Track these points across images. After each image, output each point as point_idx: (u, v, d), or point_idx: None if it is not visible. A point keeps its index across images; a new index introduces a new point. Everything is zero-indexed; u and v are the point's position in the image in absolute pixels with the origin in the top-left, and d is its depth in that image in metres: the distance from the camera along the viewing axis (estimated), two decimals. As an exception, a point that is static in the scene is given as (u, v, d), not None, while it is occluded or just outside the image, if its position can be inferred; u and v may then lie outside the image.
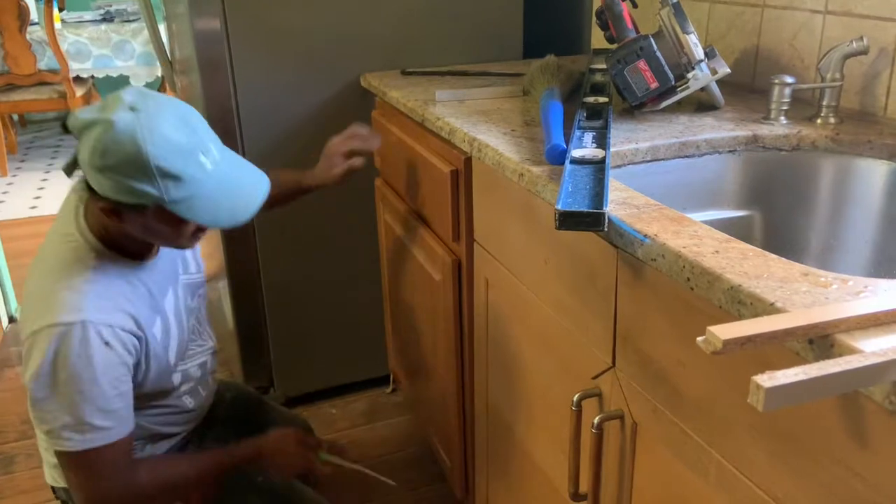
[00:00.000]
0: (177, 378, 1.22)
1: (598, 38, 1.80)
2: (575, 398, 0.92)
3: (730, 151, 1.10)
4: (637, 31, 1.20)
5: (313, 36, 1.68)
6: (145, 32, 4.12)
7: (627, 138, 1.07)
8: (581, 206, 0.79)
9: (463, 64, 1.77)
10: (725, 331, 0.53)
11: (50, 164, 4.33)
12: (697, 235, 0.74)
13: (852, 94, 1.19)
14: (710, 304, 0.67)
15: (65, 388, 1.03)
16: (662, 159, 1.06)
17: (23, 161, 4.39)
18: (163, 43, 2.07)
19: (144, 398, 1.17)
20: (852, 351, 0.52)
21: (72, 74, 4.00)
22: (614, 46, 1.19)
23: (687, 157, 1.08)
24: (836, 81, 1.11)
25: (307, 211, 1.76)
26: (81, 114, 1.00)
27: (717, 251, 0.70)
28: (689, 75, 1.13)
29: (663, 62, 1.10)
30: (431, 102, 1.39)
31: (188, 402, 1.28)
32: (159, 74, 4.27)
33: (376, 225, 1.82)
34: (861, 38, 1.07)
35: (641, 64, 1.10)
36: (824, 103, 1.13)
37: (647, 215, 0.79)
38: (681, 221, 0.77)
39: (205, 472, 1.24)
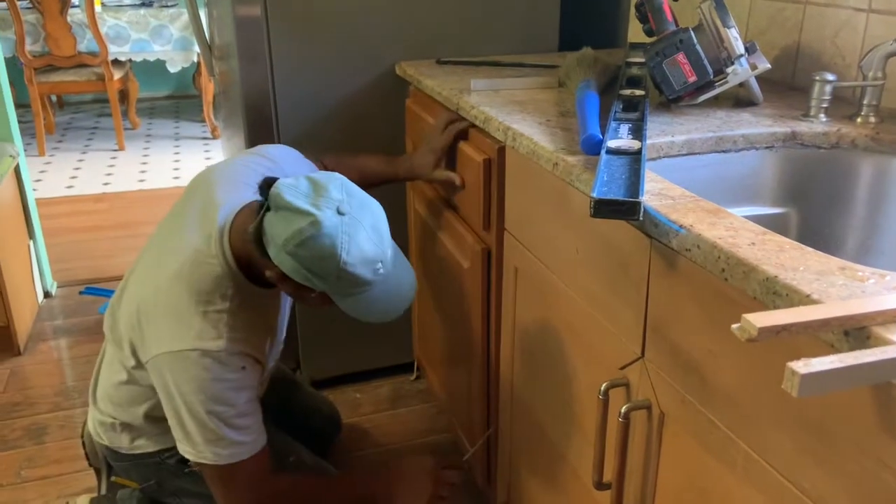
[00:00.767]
0: (264, 375, 1.27)
1: (634, 32, 1.79)
2: (602, 387, 0.93)
3: (767, 147, 1.09)
4: (677, 25, 1.19)
5: (350, 24, 1.70)
6: (183, 17, 4.18)
7: (663, 131, 1.07)
8: (617, 194, 0.79)
9: (498, 55, 1.78)
10: (761, 318, 0.53)
11: (86, 146, 4.41)
12: (733, 227, 0.74)
13: (894, 94, 1.17)
14: (745, 294, 0.67)
15: (208, 408, 1.10)
16: (698, 153, 1.06)
17: (60, 142, 4.48)
18: (203, 28, 2.10)
19: None
20: (888, 343, 0.52)
21: (110, 57, 4.07)
22: (652, 40, 1.19)
23: (723, 151, 1.07)
24: (878, 80, 1.10)
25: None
26: (288, 193, 1.03)
27: (753, 243, 0.70)
28: (729, 70, 1.13)
29: (703, 56, 1.10)
30: (467, 91, 1.39)
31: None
32: (195, 59, 4.33)
33: (405, 212, 1.84)
34: (905, 37, 1.06)
35: (680, 57, 1.10)
36: (865, 102, 1.12)
37: (683, 206, 0.80)
38: (717, 213, 0.78)
39: (341, 497, 1.32)
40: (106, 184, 3.75)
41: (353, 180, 1.40)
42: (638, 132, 0.99)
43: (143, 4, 4.35)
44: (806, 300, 0.60)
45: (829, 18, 1.27)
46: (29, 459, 1.77)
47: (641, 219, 0.79)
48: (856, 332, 0.55)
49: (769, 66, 1.16)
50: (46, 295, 2.56)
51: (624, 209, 0.78)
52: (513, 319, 1.29)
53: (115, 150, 4.30)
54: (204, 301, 1.11)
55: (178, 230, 1.19)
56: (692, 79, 1.11)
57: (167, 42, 4.22)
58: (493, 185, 1.27)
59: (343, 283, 1.06)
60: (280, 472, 1.22)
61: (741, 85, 1.17)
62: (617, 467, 0.93)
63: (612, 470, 0.94)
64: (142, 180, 3.80)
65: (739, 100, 1.25)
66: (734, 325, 0.54)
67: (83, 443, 1.46)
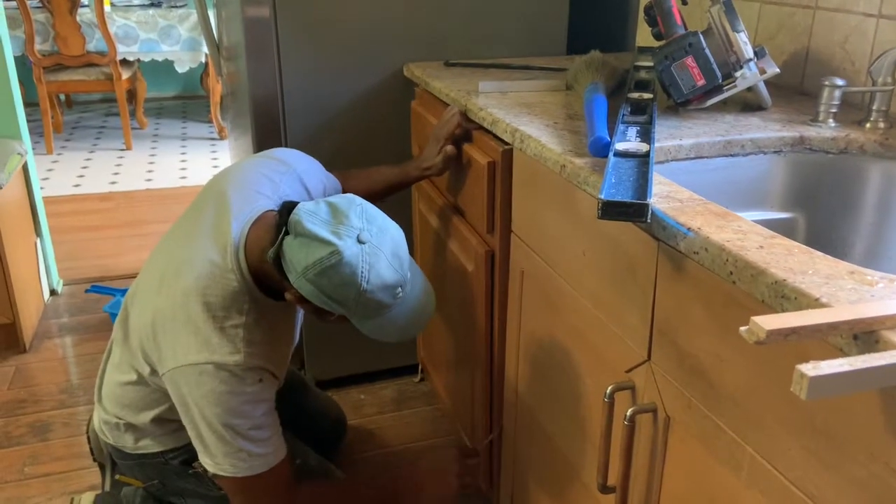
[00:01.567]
0: (279, 386, 1.27)
1: (643, 36, 1.79)
2: (608, 390, 0.93)
3: (775, 152, 1.09)
4: (686, 28, 1.19)
5: (359, 26, 1.70)
6: (191, 18, 4.19)
7: (671, 134, 1.07)
8: (625, 196, 0.79)
9: (506, 57, 1.78)
10: (769, 321, 0.53)
11: (94, 145, 4.43)
12: (742, 230, 0.73)
13: (903, 100, 1.17)
14: (753, 298, 0.67)
15: (224, 421, 1.10)
16: (706, 157, 1.06)
17: (68, 140, 4.50)
18: (212, 28, 2.11)
19: None
20: (898, 347, 0.52)
21: (118, 57, 4.09)
22: (661, 43, 1.19)
23: (731, 156, 1.07)
24: (888, 86, 1.10)
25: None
26: (308, 221, 1.04)
27: (761, 246, 0.69)
28: (737, 74, 1.13)
29: (711, 60, 1.10)
30: (474, 93, 1.39)
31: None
32: (203, 60, 4.35)
33: (410, 215, 1.84)
34: (916, 43, 1.06)
35: (689, 60, 1.10)
36: (874, 107, 1.11)
37: (691, 209, 0.79)
38: (725, 216, 0.77)
39: (364, 502, 1.33)
40: (113, 183, 3.76)
41: (364, 193, 1.40)
42: (646, 135, 0.98)
43: (151, 5, 4.37)
44: (815, 304, 0.59)
45: (838, 23, 1.27)
46: (33, 456, 1.77)
47: (649, 221, 0.79)
48: (865, 335, 0.55)
49: (778, 70, 1.15)
50: (52, 293, 2.56)
51: (632, 211, 0.78)
52: (518, 322, 1.29)
53: (123, 150, 4.31)
54: (221, 316, 1.11)
55: (192, 239, 1.19)
56: (701, 82, 1.11)
57: (175, 42, 4.24)
58: (496, 187, 1.27)
59: (363, 308, 1.07)
60: (300, 482, 1.22)
61: (750, 89, 1.17)
62: (622, 471, 0.93)
63: (616, 474, 0.94)
64: (149, 180, 3.81)
65: (748, 104, 1.24)
66: (742, 328, 0.54)
67: (88, 438, 1.47)
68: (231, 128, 2.36)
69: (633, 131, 1.01)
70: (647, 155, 0.91)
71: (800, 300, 0.61)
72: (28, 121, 2.45)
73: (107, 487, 1.47)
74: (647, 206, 0.77)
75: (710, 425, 0.78)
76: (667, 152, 1.03)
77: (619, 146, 0.93)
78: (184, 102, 5.49)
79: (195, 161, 4.13)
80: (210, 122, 4.82)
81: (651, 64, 1.28)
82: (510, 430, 1.40)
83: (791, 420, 0.66)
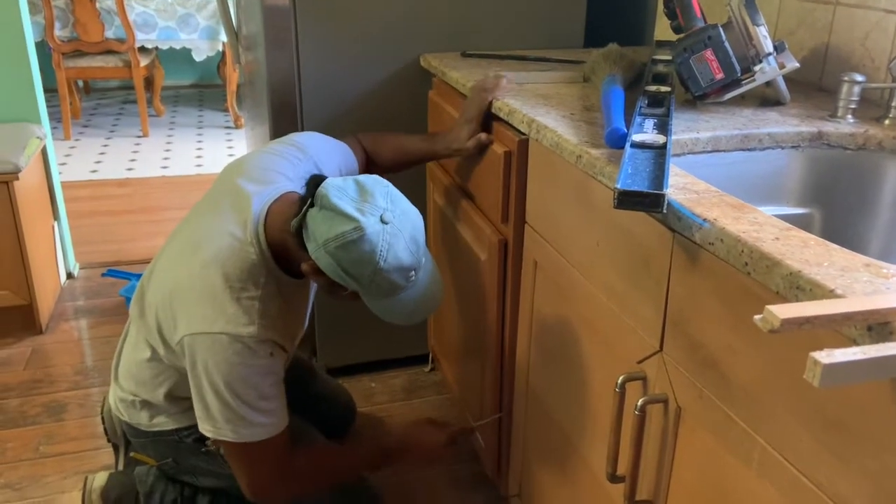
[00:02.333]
0: (287, 362, 1.29)
1: (661, 30, 1.78)
2: (619, 380, 0.93)
3: (793, 147, 1.08)
4: (705, 21, 1.19)
5: (376, 15, 1.70)
6: (209, 6, 4.21)
7: (688, 127, 1.07)
8: (641, 186, 0.79)
9: (523, 49, 1.78)
10: (784, 310, 0.53)
11: (111, 131, 4.46)
12: (758, 222, 0.74)
13: (924, 97, 1.16)
14: (767, 289, 0.67)
15: (232, 390, 1.12)
16: (723, 151, 1.06)
17: (86, 126, 4.54)
18: (231, 17, 2.12)
19: None
20: (912, 339, 0.52)
21: (137, 45, 4.12)
22: (680, 36, 1.19)
23: (748, 150, 1.07)
24: (908, 82, 1.09)
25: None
26: (335, 195, 1.07)
27: (777, 238, 0.70)
28: (756, 68, 1.12)
29: (731, 53, 1.09)
30: (491, 84, 1.39)
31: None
32: (220, 48, 4.36)
33: (424, 204, 1.84)
34: (938, 39, 1.05)
35: (708, 54, 1.09)
36: (893, 104, 1.11)
37: (707, 201, 0.80)
38: (741, 208, 0.77)
39: (358, 467, 1.36)
40: (129, 169, 3.79)
41: (392, 159, 1.45)
42: (663, 127, 0.98)
43: (170, -7, 4.39)
44: (830, 295, 0.60)
45: (859, 20, 1.26)
46: (48, 436, 1.80)
47: (665, 211, 0.79)
48: (879, 326, 0.55)
49: (797, 65, 1.15)
50: (69, 276, 2.59)
51: (648, 201, 0.78)
52: (530, 312, 1.29)
53: (140, 137, 4.34)
54: (238, 287, 1.13)
55: (212, 216, 1.21)
56: (719, 76, 1.11)
57: (193, 31, 4.26)
58: (512, 177, 1.27)
59: (375, 287, 1.09)
60: (296, 449, 1.24)
61: (768, 84, 1.17)
62: (631, 461, 0.93)
63: (626, 463, 0.94)
64: (165, 167, 3.83)
65: (766, 99, 1.24)
66: (757, 316, 0.55)
67: (102, 418, 1.49)
68: (248, 117, 2.37)
69: (650, 123, 1.01)
70: (663, 146, 0.91)
71: (815, 291, 0.61)
72: (47, 106, 2.48)
73: (120, 467, 1.49)
74: (663, 196, 0.78)
75: (721, 416, 0.78)
76: (683, 145, 1.03)
77: (636, 137, 0.94)
78: (200, 91, 5.51)
79: (211, 149, 4.15)
80: (226, 110, 4.84)
81: (669, 58, 1.27)
82: (519, 419, 1.40)
83: (803, 411, 0.66)
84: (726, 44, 1.09)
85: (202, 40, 4.28)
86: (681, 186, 0.84)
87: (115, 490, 1.41)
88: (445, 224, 1.67)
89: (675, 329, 0.85)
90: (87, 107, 4.96)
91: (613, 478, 0.97)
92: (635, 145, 0.92)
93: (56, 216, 2.50)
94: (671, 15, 1.23)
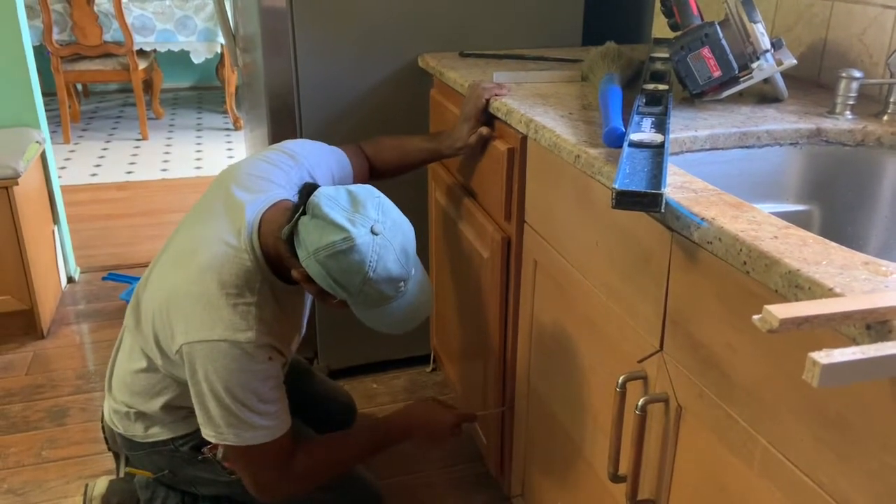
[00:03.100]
0: (285, 367, 1.30)
1: (658, 28, 1.78)
2: (620, 380, 0.93)
3: (791, 144, 1.08)
4: (702, 19, 1.19)
5: (374, 16, 1.70)
6: (207, 9, 4.21)
7: (686, 126, 1.06)
8: (639, 186, 0.79)
9: (521, 49, 1.78)
10: (783, 310, 0.53)
11: (111, 134, 4.46)
12: (756, 221, 0.73)
13: (922, 92, 1.16)
14: (766, 288, 0.67)
15: (233, 395, 1.13)
16: (721, 148, 1.05)
17: (85, 130, 4.54)
18: (228, 19, 2.12)
19: None
20: (911, 337, 0.52)
21: (135, 48, 4.11)
22: (676, 35, 1.18)
23: (747, 147, 1.07)
24: (906, 78, 1.09)
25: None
26: (327, 205, 1.07)
27: (775, 236, 0.70)
28: (754, 65, 1.12)
29: (728, 50, 1.09)
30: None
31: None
32: (219, 51, 4.36)
33: (425, 204, 1.84)
34: (936, 34, 1.05)
35: (705, 51, 1.09)
36: (892, 100, 1.11)
37: (706, 199, 0.79)
38: (739, 207, 0.77)
39: (362, 453, 1.35)
40: (129, 172, 3.79)
41: (395, 162, 1.45)
42: (661, 126, 0.98)
43: (168, -5, 4.39)
44: (828, 294, 0.59)
45: (856, 16, 1.26)
46: (50, 441, 1.80)
47: (663, 211, 0.79)
48: (878, 325, 0.55)
49: (795, 62, 1.15)
50: (70, 280, 2.59)
51: (646, 201, 0.78)
52: (531, 312, 1.29)
53: (139, 140, 4.34)
54: (234, 294, 1.13)
55: (206, 224, 1.21)
56: (717, 73, 1.11)
57: (192, 33, 4.25)
58: (515, 174, 1.27)
59: (364, 296, 1.09)
60: (298, 447, 1.24)
61: (766, 81, 1.16)
62: (633, 460, 0.93)
63: (627, 463, 0.94)
64: (164, 170, 3.83)
65: (764, 96, 1.24)
66: (755, 316, 0.54)
67: (103, 427, 1.49)
68: (247, 119, 2.37)
69: (648, 122, 1.00)
70: (661, 145, 0.91)
71: (813, 290, 0.61)
72: (45, 110, 2.48)
73: (121, 474, 1.48)
74: (660, 195, 0.77)
75: (722, 415, 0.78)
76: (682, 143, 1.03)
77: (634, 137, 0.93)
78: (199, 93, 5.51)
79: (210, 151, 4.15)
80: (225, 112, 4.84)
81: (667, 55, 1.27)
82: (522, 418, 1.40)
83: (803, 410, 0.66)
84: (723, 41, 1.09)
85: (200, 42, 4.28)
86: (679, 185, 0.84)
87: (115, 496, 1.41)
88: (448, 223, 1.67)
89: (675, 328, 0.85)
90: (86, 110, 4.96)
91: (615, 477, 0.97)
92: (633, 144, 0.92)
93: (56, 220, 2.50)
94: (668, 13, 1.22)
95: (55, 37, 3.99)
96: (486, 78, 1.44)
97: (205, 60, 4.47)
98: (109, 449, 1.50)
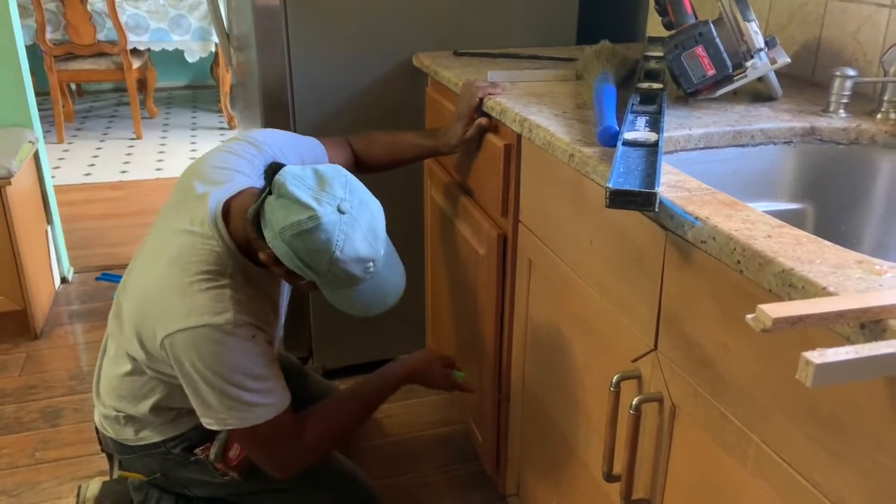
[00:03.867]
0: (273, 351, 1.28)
1: (653, 26, 1.78)
2: (614, 379, 0.93)
3: (785, 142, 1.08)
4: (696, 18, 1.19)
5: (368, 15, 1.70)
6: (201, 8, 4.20)
7: (680, 124, 1.06)
8: (632, 185, 0.79)
9: (515, 47, 1.77)
10: (776, 309, 0.53)
11: (104, 134, 4.45)
12: (749, 220, 0.73)
13: (916, 91, 1.16)
14: (760, 287, 0.67)
15: (225, 377, 1.12)
16: (716, 147, 1.05)
17: (79, 129, 4.52)
18: (222, 18, 2.11)
19: None
20: (905, 336, 0.52)
21: (129, 47, 4.10)
22: (670, 33, 1.18)
23: (741, 146, 1.07)
24: (900, 76, 1.09)
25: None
26: (292, 183, 1.05)
27: (769, 235, 0.69)
28: (748, 64, 1.12)
29: (722, 49, 1.09)
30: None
31: None
32: (213, 50, 4.35)
33: (420, 202, 1.84)
34: (929, 33, 1.05)
35: (699, 50, 1.09)
36: (886, 98, 1.11)
37: (699, 198, 0.79)
38: (733, 206, 0.77)
39: (368, 404, 1.36)
40: (123, 172, 3.78)
41: (387, 156, 1.44)
42: (655, 125, 0.98)
43: (162, -6, 4.37)
44: (822, 293, 0.59)
45: (850, 14, 1.26)
46: (44, 442, 1.79)
47: (657, 210, 0.79)
48: (872, 324, 0.55)
49: (789, 60, 1.15)
50: (63, 280, 2.58)
51: (639, 200, 0.78)
52: (525, 311, 1.29)
53: (133, 139, 4.33)
54: (205, 279, 1.12)
55: (171, 220, 1.21)
56: (711, 72, 1.11)
57: (186, 32, 4.24)
58: (511, 171, 1.27)
59: (332, 278, 1.07)
60: (303, 418, 1.25)
61: (760, 79, 1.16)
62: (627, 459, 0.93)
63: (621, 462, 0.94)
64: (159, 169, 3.82)
65: (758, 94, 1.24)
66: (749, 316, 0.54)
67: (96, 429, 1.48)
68: (241, 117, 2.36)
69: (642, 121, 1.00)
70: (655, 144, 0.91)
71: (807, 289, 0.61)
72: (39, 109, 2.46)
73: (115, 475, 1.48)
74: (654, 195, 0.77)
75: (716, 414, 0.78)
76: (676, 142, 1.03)
77: (628, 136, 0.93)
78: (194, 92, 5.50)
79: (205, 150, 4.09)
80: (220, 111, 4.82)
81: (661, 54, 1.27)
82: (516, 417, 1.40)
83: (797, 409, 0.66)
84: (717, 40, 1.09)
85: (194, 41, 4.26)
86: (673, 184, 0.84)
87: (109, 498, 1.41)
88: (444, 221, 1.67)
89: (670, 327, 0.85)
90: (80, 110, 4.94)
91: (609, 477, 0.97)
92: (627, 143, 0.92)
93: (49, 220, 2.49)
94: (662, 12, 1.22)
95: (48, 36, 3.97)
96: (480, 77, 1.44)
97: (199, 59, 4.46)
98: (103, 450, 1.49)
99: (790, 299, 0.63)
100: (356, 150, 1.47)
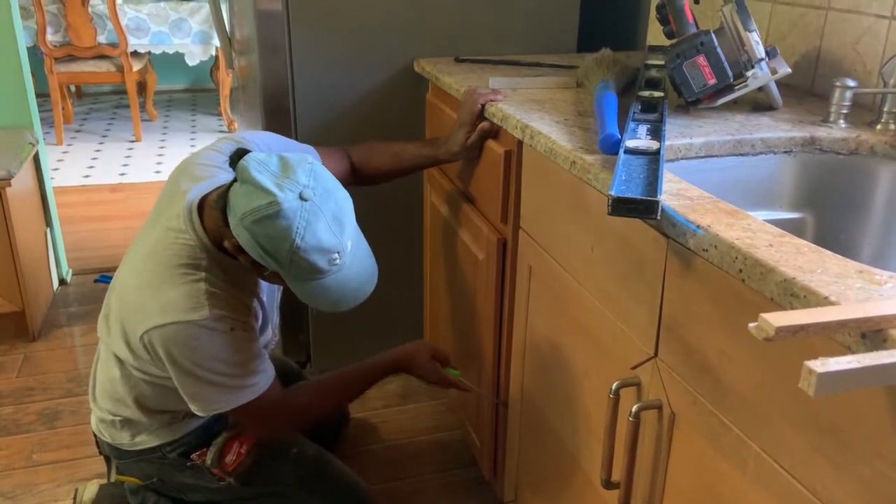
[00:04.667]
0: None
1: (654, 35, 1.79)
2: (613, 386, 0.93)
3: (785, 152, 1.09)
4: (697, 27, 1.19)
5: (370, 21, 1.71)
6: (202, 11, 4.20)
7: (681, 133, 1.07)
8: (635, 193, 0.79)
9: (516, 54, 1.78)
10: (778, 318, 0.53)
11: (104, 136, 4.45)
12: (751, 229, 0.74)
13: (915, 102, 1.17)
14: (762, 296, 0.67)
15: (206, 368, 1.13)
16: (716, 156, 1.06)
17: (78, 131, 4.52)
18: (224, 22, 2.11)
19: None
20: (906, 346, 0.52)
21: (129, 49, 4.10)
22: (672, 42, 1.19)
23: (741, 155, 1.07)
24: (900, 87, 1.10)
25: (347, 190, 1.78)
26: (255, 169, 1.04)
27: (770, 244, 0.70)
28: (749, 73, 1.13)
29: (723, 59, 1.10)
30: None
31: None
32: (213, 53, 4.35)
33: (419, 206, 1.84)
34: (929, 44, 1.05)
35: (701, 59, 1.10)
36: (885, 109, 1.11)
37: (701, 207, 0.80)
38: (735, 214, 0.78)
39: (357, 385, 1.40)
40: (122, 174, 3.78)
41: (388, 165, 1.44)
42: (656, 133, 0.99)
43: (163, -3, 4.38)
44: (824, 302, 0.60)
45: (850, 25, 1.27)
46: (41, 443, 1.79)
47: (659, 218, 0.79)
48: (873, 334, 0.55)
49: (789, 70, 1.15)
50: (62, 282, 2.58)
51: (642, 208, 0.78)
52: (525, 317, 1.29)
53: (132, 141, 4.33)
54: (180, 273, 1.12)
55: (158, 216, 1.22)
56: (712, 81, 1.11)
57: (186, 35, 4.25)
58: (512, 177, 1.27)
59: (295, 268, 1.05)
60: (295, 388, 1.29)
61: (761, 89, 1.17)
62: (626, 467, 0.93)
63: (620, 469, 0.94)
64: (158, 171, 3.82)
65: (758, 104, 1.24)
66: (751, 324, 0.55)
67: (94, 432, 1.48)
68: (241, 121, 2.36)
69: (643, 129, 1.01)
70: (657, 152, 0.91)
71: (809, 298, 0.61)
72: (39, 111, 2.46)
73: (112, 478, 1.48)
74: (657, 202, 0.78)
75: (715, 422, 0.78)
76: (677, 151, 1.03)
77: (630, 143, 0.94)
78: (194, 95, 5.50)
79: (204, 154, 4.14)
80: (219, 115, 4.83)
81: (662, 62, 1.28)
82: (515, 423, 1.40)
83: (797, 418, 0.66)
84: (718, 49, 1.10)
85: (195, 45, 4.27)
86: (674, 192, 0.84)
87: (105, 501, 1.41)
88: (443, 227, 1.67)
89: (670, 335, 0.85)
90: (80, 112, 4.95)
91: (608, 484, 0.97)
92: (629, 151, 0.92)
93: (48, 222, 2.49)
94: (663, 21, 1.23)
95: (49, 38, 3.97)
96: (482, 83, 1.44)
97: (199, 63, 4.46)
98: (100, 453, 1.49)
99: (792, 308, 0.63)
100: (355, 161, 1.46)
